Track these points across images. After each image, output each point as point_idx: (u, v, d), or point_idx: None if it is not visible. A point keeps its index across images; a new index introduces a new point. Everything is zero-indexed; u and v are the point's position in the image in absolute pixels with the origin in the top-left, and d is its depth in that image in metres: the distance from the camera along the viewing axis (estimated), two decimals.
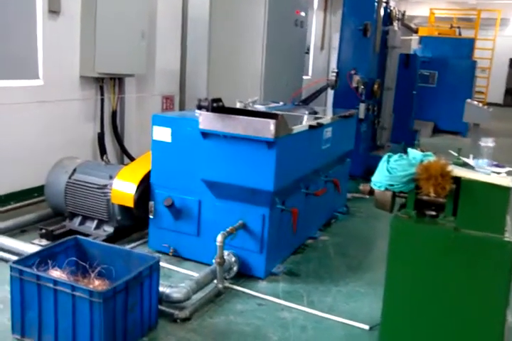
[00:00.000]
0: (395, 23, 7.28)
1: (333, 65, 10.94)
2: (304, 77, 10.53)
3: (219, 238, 3.12)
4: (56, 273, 2.59)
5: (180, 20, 6.10)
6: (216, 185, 3.34)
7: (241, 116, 3.03)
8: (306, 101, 5.21)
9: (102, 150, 5.29)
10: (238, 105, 4.23)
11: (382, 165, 2.61)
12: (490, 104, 15.46)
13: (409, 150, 2.71)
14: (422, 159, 2.55)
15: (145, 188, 3.73)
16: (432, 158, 2.53)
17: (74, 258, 2.83)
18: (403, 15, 7.96)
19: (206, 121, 3.10)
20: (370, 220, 5.04)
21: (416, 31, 16.83)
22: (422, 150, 2.78)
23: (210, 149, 3.23)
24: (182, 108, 6.25)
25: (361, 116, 6.45)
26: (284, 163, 3.22)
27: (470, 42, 14.17)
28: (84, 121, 5.21)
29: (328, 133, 4.02)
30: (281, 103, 5.11)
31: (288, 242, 3.78)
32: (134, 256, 2.84)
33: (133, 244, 3.93)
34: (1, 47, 4.45)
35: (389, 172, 2.55)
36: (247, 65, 5.74)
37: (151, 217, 3.70)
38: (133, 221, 3.94)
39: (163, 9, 5.78)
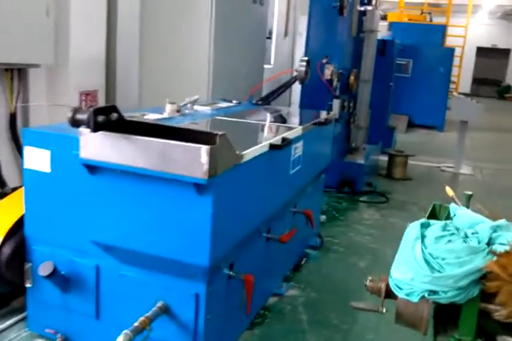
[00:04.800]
0: (374, 2, 6.09)
1: (299, 53, 9.70)
2: (266, 67, 9.28)
3: None
4: None
5: None
6: (116, 249, 2.07)
7: (150, 138, 1.75)
8: (267, 99, 3.96)
9: None
10: (169, 108, 2.96)
11: (412, 248, 1.36)
12: (459, 94, 14.61)
13: (458, 212, 1.50)
14: (490, 237, 1.34)
15: (21, 240, 2.43)
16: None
17: None
18: None
19: (90, 146, 1.82)
20: (350, 257, 3.85)
21: (385, 17, 15.84)
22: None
23: (101, 193, 1.95)
24: None
25: (335, 115, 5.24)
26: (229, 215, 1.96)
27: (442, 29, 13.28)
28: None
29: (298, 150, 2.79)
30: (234, 102, 3.85)
31: (240, 318, 2.55)
32: None
33: (9, 322, 2.62)
34: None
35: (430, 266, 1.32)
36: (191, 51, 4.45)
37: (28, 285, 2.40)
38: (9, 286, 2.63)
39: None
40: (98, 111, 1.69)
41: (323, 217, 4.59)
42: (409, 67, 10.99)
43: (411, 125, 10.97)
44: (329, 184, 5.58)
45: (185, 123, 2.64)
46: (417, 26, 12.95)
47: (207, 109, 3.30)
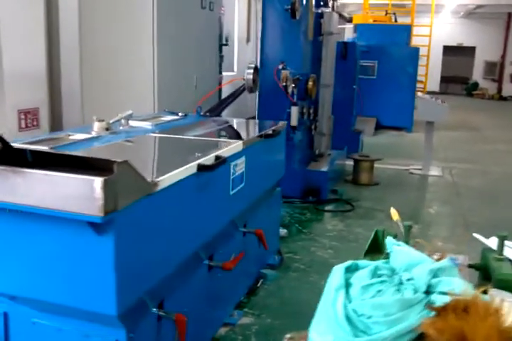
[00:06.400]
0: (331, 4, 5.91)
1: None
2: (229, 74, 9.05)
3: None
4: None
5: None
6: (19, 298, 1.79)
7: (34, 170, 1.47)
8: (216, 110, 3.71)
9: None
10: (97, 126, 2.70)
11: (332, 302, 1.11)
12: (427, 93, 14.59)
13: (394, 249, 1.24)
14: (429, 283, 1.07)
15: None
16: (458, 282, 1.04)
17: None
18: None
19: None
20: (310, 275, 3.62)
21: (350, 20, 15.82)
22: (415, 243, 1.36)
23: None
24: (55, 125, 4.58)
25: (294, 122, 5.04)
26: (143, 251, 1.70)
27: (407, 29, 13.23)
28: None
29: (239, 167, 2.55)
30: (180, 114, 3.60)
31: None
32: None
33: None
34: None
35: (354, 326, 1.04)
36: (134, 63, 4.19)
37: None
38: None
39: None
40: None
41: (284, 231, 4.37)
42: (374, 68, 10.88)
43: (379, 127, 10.84)
44: (293, 194, 5.37)
45: (109, 144, 2.38)
46: (382, 27, 12.88)
47: (146, 125, 3.04)
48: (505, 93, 22.06)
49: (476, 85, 22.69)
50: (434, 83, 22.07)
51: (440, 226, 5.02)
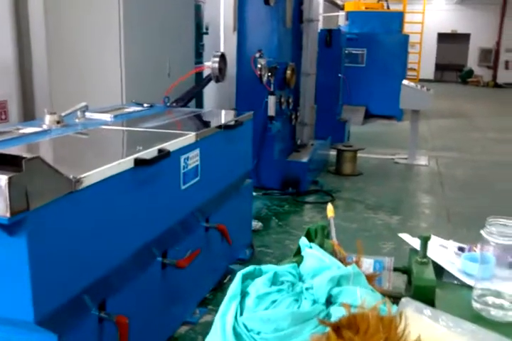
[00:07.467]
0: None
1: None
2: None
3: None
4: None
5: None
6: None
7: None
8: (183, 101, 3.59)
9: None
10: (48, 119, 2.59)
11: (223, 313, 0.99)
12: (421, 81, 14.44)
13: (306, 252, 1.10)
14: (330, 293, 0.96)
15: None
16: (361, 292, 0.93)
17: None
18: None
19: None
20: None
21: (342, 8, 15.62)
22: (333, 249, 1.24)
23: None
24: (27, 118, 4.45)
25: (271, 112, 4.93)
26: (68, 252, 1.60)
27: (399, 16, 13.02)
28: None
29: (192, 160, 2.44)
30: (145, 105, 3.48)
31: None
32: None
33: None
34: None
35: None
36: (102, 52, 4.05)
37: None
38: None
39: None
40: None
41: (259, 224, 4.28)
42: (363, 56, 10.72)
43: (369, 116, 10.71)
44: (272, 185, 5.28)
45: (54, 137, 2.28)
46: (374, 14, 12.69)
47: (105, 116, 2.92)
48: (500, 80, 21.87)
49: (470, 72, 22.49)
50: (428, 71, 21.89)
51: (421, 217, 4.93)
